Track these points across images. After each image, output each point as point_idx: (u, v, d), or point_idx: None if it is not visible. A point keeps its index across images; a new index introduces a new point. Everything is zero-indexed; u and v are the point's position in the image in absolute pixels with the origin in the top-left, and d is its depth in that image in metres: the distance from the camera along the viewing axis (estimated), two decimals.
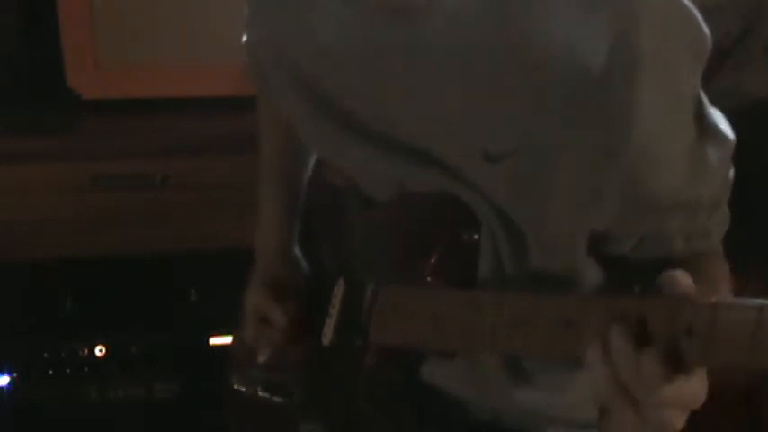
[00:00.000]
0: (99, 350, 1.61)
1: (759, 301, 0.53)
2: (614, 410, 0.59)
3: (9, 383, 1.59)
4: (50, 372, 1.60)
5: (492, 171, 0.77)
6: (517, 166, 0.75)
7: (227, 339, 1.60)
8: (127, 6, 1.69)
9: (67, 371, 1.60)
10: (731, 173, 0.81)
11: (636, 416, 0.58)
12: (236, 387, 1.05)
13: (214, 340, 1.63)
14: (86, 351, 1.61)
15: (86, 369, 1.61)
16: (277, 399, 1.00)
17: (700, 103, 0.76)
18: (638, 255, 0.81)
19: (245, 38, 0.99)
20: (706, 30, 0.72)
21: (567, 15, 0.69)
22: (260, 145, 1.11)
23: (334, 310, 0.93)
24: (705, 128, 0.76)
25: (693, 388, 0.57)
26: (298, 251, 1.07)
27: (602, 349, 0.58)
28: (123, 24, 1.69)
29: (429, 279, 0.82)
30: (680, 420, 0.58)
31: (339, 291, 0.94)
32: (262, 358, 1.02)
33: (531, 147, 0.74)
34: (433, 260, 0.82)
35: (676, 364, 0.55)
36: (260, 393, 1.01)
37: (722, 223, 0.84)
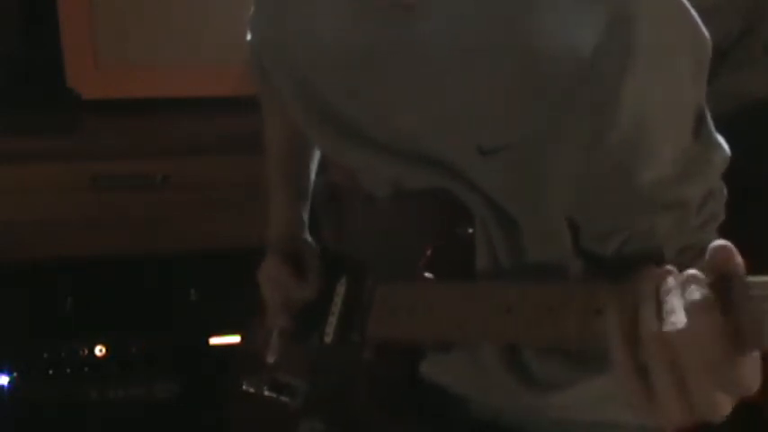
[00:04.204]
0: (99, 350, 1.61)
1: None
2: (659, 390, 0.55)
3: (9, 383, 1.59)
4: (50, 372, 1.60)
5: (486, 165, 0.77)
6: (511, 159, 0.75)
7: (227, 339, 1.60)
8: (127, 6, 1.69)
9: (67, 371, 1.60)
10: (725, 191, 0.81)
11: (681, 396, 0.54)
12: (243, 389, 1.06)
13: (214, 340, 1.63)
14: (86, 351, 1.61)
15: (86, 369, 1.61)
16: (283, 399, 1.00)
17: (702, 112, 0.75)
18: (622, 258, 0.79)
19: (248, 37, 0.99)
20: (706, 34, 0.72)
21: (564, 7, 0.70)
22: (265, 144, 1.11)
23: (336, 309, 0.94)
24: (705, 133, 0.76)
25: (747, 371, 0.53)
26: (309, 237, 1.07)
27: (655, 309, 0.55)
28: (123, 24, 1.69)
29: (425, 273, 0.83)
30: (728, 406, 0.55)
31: (341, 290, 0.94)
32: (270, 359, 1.03)
33: (526, 139, 0.74)
34: (428, 255, 0.83)
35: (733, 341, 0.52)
36: (266, 394, 1.02)
37: None
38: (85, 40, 1.68)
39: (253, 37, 0.98)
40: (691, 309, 0.53)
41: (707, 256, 0.55)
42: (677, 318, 0.54)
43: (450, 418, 0.93)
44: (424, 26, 0.76)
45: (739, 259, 0.55)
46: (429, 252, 0.84)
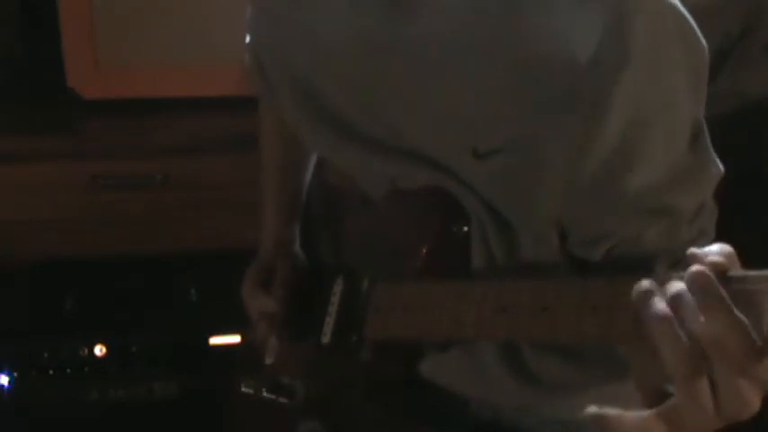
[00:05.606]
0: (99, 350, 1.61)
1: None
2: (684, 387, 0.53)
3: (9, 383, 1.59)
4: (50, 372, 1.60)
5: (480, 168, 0.77)
6: (506, 163, 0.75)
7: (227, 339, 1.60)
8: (127, 6, 1.69)
9: (67, 371, 1.60)
10: (716, 211, 0.80)
11: (710, 392, 0.53)
12: (243, 390, 1.06)
13: (214, 340, 1.63)
14: (86, 351, 1.61)
15: (86, 369, 1.60)
16: (282, 400, 1.00)
17: (700, 125, 0.75)
18: (610, 265, 0.78)
19: (247, 39, 0.99)
20: (704, 43, 0.72)
21: (559, 7, 0.70)
22: (261, 145, 1.12)
23: (333, 309, 0.94)
24: (701, 146, 0.75)
25: None
26: (298, 248, 1.08)
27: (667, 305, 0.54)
28: (123, 24, 1.69)
29: (421, 272, 0.83)
30: (757, 402, 0.53)
31: (338, 289, 0.95)
32: (269, 360, 1.03)
33: (519, 142, 0.74)
34: (424, 253, 0.83)
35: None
36: (265, 395, 1.02)
37: None
38: (85, 40, 1.68)
39: (251, 37, 0.98)
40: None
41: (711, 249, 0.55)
42: (694, 313, 0.53)
43: (449, 418, 0.93)
44: (422, 25, 0.76)
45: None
46: (425, 251, 0.84)
